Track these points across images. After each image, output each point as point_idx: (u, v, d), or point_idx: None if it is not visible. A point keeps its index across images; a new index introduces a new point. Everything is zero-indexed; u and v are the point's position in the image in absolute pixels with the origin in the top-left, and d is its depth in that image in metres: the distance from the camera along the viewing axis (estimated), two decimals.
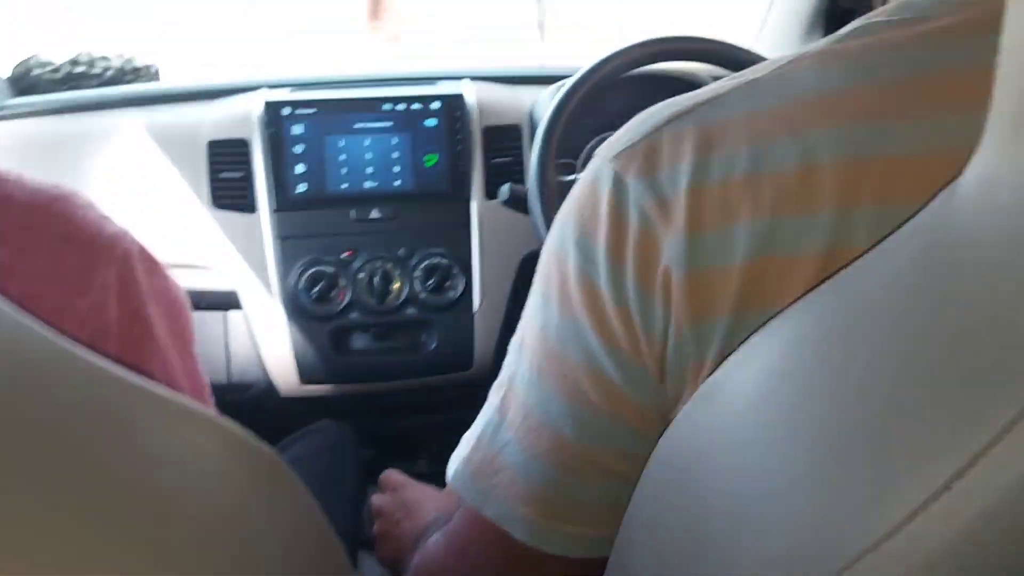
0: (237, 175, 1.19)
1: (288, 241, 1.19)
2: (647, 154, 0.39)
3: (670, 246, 0.37)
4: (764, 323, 0.34)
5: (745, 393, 0.33)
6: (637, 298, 0.38)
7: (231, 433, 0.34)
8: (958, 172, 0.29)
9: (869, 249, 0.32)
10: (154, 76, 1.47)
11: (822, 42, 0.38)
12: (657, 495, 0.38)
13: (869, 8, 0.40)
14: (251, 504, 0.34)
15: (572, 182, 1.06)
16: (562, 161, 1.10)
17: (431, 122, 1.21)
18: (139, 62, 1.45)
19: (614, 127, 0.44)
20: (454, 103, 1.22)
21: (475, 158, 1.23)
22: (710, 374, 0.36)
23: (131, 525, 0.29)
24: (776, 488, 0.29)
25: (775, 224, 0.35)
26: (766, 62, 0.40)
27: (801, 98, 0.36)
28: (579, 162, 1.25)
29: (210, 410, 0.39)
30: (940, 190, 0.30)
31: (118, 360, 0.37)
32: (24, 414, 0.27)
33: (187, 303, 0.50)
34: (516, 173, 1.24)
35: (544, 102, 1.25)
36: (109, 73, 1.40)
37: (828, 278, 0.33)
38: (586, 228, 0.40)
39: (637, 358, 0.39)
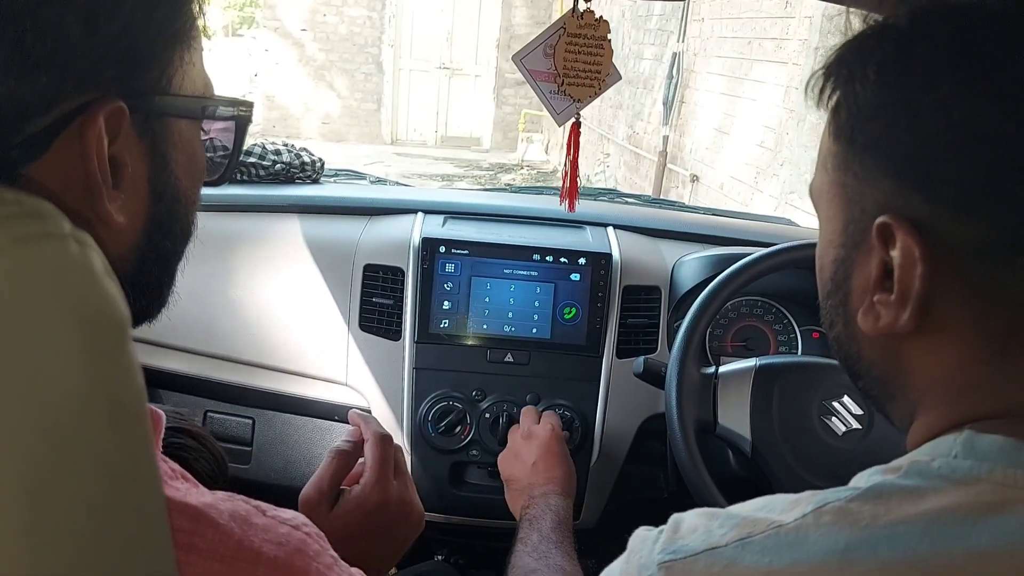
0: (388, 302, 1.25)
1: (424, 372, 1.24)
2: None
3: None
4: None
5: None
6: None
7: None
8: None
9: None
10: (319, 171, 1.55)
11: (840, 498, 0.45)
12: None
13: None
14: None
15: (710, 375, 1.08)
16: None
17: (575, 276, 1.26)
18: (307, 157, 1.54)
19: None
20: (600, 261, 1.25)
21: (612, 316, 1.26)
22: None
23: None
24: None
25: None
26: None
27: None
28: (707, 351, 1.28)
29: None
30: None
31: None
32: None
33: None
34: (649, 335, 1.27)
35: (687, 272, 1.27)
36: (278, 167, 1.50)
37: None
38: None
39: None
